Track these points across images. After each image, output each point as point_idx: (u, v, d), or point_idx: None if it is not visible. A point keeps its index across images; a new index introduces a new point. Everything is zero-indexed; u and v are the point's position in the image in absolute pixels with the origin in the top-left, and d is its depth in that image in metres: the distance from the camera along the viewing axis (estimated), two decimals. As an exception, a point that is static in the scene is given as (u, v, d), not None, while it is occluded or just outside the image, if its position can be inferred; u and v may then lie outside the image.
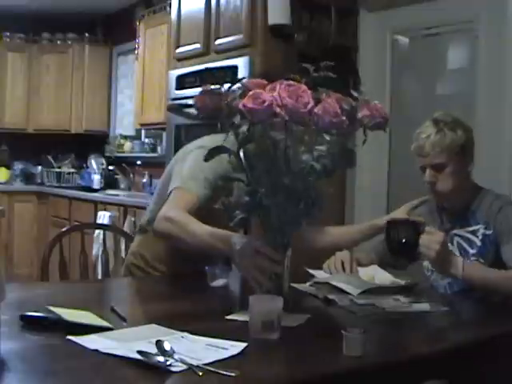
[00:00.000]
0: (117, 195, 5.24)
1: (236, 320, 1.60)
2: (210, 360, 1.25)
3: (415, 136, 2.10)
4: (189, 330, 1.44)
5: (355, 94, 1.61)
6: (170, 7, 4.35)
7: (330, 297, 1.88)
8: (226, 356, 1.29)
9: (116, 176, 6.00)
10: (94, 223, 4.82)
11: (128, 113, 6.03)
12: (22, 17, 6.20)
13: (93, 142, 6.41)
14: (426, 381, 1.41)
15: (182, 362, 1.23)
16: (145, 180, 5.53)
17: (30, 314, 1.49)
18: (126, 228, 4.46)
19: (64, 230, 2.66)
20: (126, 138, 5.98)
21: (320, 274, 2.17)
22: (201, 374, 1.19)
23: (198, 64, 3.92)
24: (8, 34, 6.31)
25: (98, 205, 5.13)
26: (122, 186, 5.88)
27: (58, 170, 6.40)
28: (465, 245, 2.06)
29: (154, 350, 1.26)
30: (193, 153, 2.11)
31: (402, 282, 2.08)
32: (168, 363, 1.22)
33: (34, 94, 6.31)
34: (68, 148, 6.57)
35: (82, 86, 6.28)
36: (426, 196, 2.14)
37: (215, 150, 1.69)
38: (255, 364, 1.33)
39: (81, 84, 6.28)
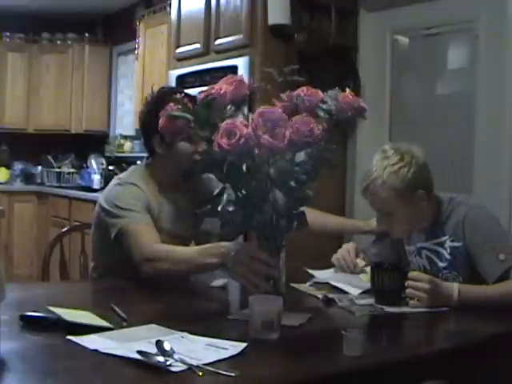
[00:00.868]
0: (117, 195, 5.22)
1: (236, 320, 1.60)
2: (210, 360, 1.25)
3: (362, 176, 2.04)
4: (189, 330, 1.44)
5: (328, 93, 1.59)
6: (170, 7, 4.34)
7: (330, 297, 1.88)
8: (225, 356, 1.30)
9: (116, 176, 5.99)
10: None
11: (128, 113, 6.03)
12: (22, 17, 6.20)
13: (93, 142, 6.40)
14: (425, 381, 1.42)
15: (182, 362, 1.23)
16: (145, 180, 5.52)
17: (29, 314, 1.49)
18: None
19: (64, 230, 2.67)
20: (125, 138, 5.98)
21: (320, 274, 2.17)
22: (201, 373, 1.19)
23: (198, 64, 3.92)
24: (8, 34, 6.30)
25: (98, 205, 5.13)
26: (122, 186, 5.86)
27: (58, 170, 6.40)
28: (434, 257, 2.02)
29: (153, 350, 1.27)
30: (111, 192, 2.14)
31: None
32: (168, 363, 1.22)
33: (34, 94, 6.31)
34: (68, 148, 6.57)
35: (82, 86, 6.28)
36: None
37: (189, 174, 1.70)
38: (255, 364, 1.33)
39: (81, 84, 6.28)
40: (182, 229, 2.24)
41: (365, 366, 1.35)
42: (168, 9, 4.59)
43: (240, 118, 1.55)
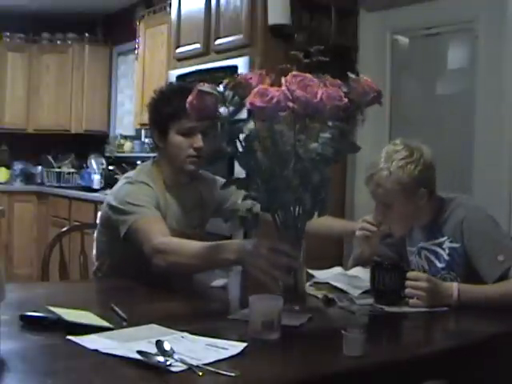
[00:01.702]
0: (117, 195, 5.23)
1: (236, 320, 1.60)
2: (210, 360, 1.25)
3: (369, 165, 2.05)
4: (189, 330, 1.44)
5: (351, 75, 1.59)
6: (170, 7, 4.35)
7: (330, 297, 1.88)
8: (225, 356, 1.30)
9: (116, 176, 5.98)
10: (94, 223, 4.81)
11: (128, 113, 6.03)
12: (22, 17, 6.20)
13: (93, 142, 6.41)
14: (425, 381, 1.41)
15: (182, 361, 1.23)
16: (145, 180, 5.52)
17: (30, 314, 1.49)
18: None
19: (64, 229, 2.67)
20: (125, 138, 5.98)
21: (320, 274, 2.17)
22: (201, 374, 1.19)
23: (198, 64, 3.92)
24: (8, 34, 6.31)
25: (97, 205, 5.12)
26: (122, 186, 5.87)
27: (58, 170, 6.40)
28: (432, 258, 2.03)
29: (154, 350, 1.26)
30: (122, 190, 2.13)
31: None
32: (168, 363, 1.22)
33: (34, 93, 6.31)
34: (68, 148, 6.57)
35: (82, 86, 6.28)
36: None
37: (212, 155, 1.69)
38: (255, 364, 1.33)
39: (81, 84, 6.28)
40: (188, 227, 2.24)
41: (365, 366, 1.35)
42: (168, 9, 4.59)
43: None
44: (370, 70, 3.65)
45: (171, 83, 2.34)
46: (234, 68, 3.48)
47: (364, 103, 1.58)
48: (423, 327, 1.77)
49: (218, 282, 2.02)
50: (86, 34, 6.38)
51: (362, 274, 2.08)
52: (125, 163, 5.85)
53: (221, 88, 1.57)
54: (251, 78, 1.54)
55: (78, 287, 1.95)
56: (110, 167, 6.01)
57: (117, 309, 1.60)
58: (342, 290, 1.96)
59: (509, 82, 3.04)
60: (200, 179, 2.32)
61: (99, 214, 2.32)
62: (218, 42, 3.78)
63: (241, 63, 3.50)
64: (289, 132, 1.52)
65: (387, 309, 1.80)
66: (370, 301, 1.85)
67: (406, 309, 1.81)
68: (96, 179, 5.90)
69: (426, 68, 3.58)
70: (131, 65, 5.86)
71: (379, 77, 3.64)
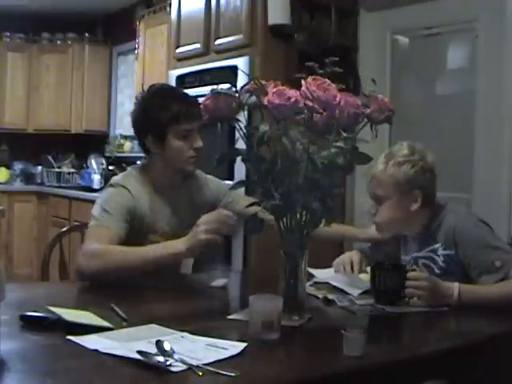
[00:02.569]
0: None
1: (236, 320, 1.60)
2: (210, 360, 1.25)
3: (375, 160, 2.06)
4: (189, 330, 1.44)
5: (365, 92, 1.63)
6: (170, 7, 4.35)
7: (330, 297, 1.88)
8: (225, 356, 1.29)
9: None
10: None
11: (128, 113, 6.02)
12: (22, 17, 6.20)
13: (93, 142, 6.41)
14: (425, 381, 1.41)
15: (182, 362, 1.23)
16: (145, 180, 5.52)
17: (29, 314, 1.49)
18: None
19: (64, 229, 2.66)
20: (125, 138, 5.98)
21: (320, 274, 2.17)
22: (201, 374, 1.19)
23: (198, 64, 3.92)
24: (8, 34, 6.31)
25: (98, 205, 5.13)
26: (122, 186, 5.87)
27: (58, 170, 6.40)
28: (431, 264, 2.02)
29: (154, 349, 1.26)
30: (103, 192, 2.19)
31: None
32: (168, 363, 1.22)
33: (34, 93, 6.31)
34: (68, 148, 6.57)
35: (82, 86, 6.28)
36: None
37: (224, 156, 1.70)
38: (255, 364, 1.33)
39: (81, 84, 6.28)
40: (180, 228, 2.24)
41: (365, 366, 1.35)
42: (168, 9, 4.59)
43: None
44: (370, 69, 3.65)
45: (153, 86, 2.28)
46: (234, 68, 3.48)
47: (377, 120, 1.61)
48: (423, 327, 1.77)
49: (218, 282, 2.02)
50: (86, 34, 6.38)
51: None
52: (125, 163, 5.84)
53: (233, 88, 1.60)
54: (266, 86, 1.55)
55: (78, 287, 1.95)
56: (110, 167, 6.01)
57: (117, 309, 1.60)
58: (342, 290, 1.96)
59: (509, 81, 3.04)
60: (192, 178, 2.32)
61: None
62: (218, 41, 3.78)
63: (241, 63, 3.50)
64: (302, 138, 1.54)
65: (387, 309, 1.80)
66: (371, 301, 1.85)
67: (406, 309, 1.81)
68: (96, 179, 5.90)
69: (426, 68, 3.58)
70: (131, 65, 5.86)
71: (379, 77, 3.64)
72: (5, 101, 6.23)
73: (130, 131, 2.31)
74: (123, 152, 5.93)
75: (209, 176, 2.41)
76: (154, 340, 1.30)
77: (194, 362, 1.23)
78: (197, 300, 1.98)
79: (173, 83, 4.12)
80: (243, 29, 3.55)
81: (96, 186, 5.82)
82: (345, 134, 1.56)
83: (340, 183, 1.69)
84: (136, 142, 5.75)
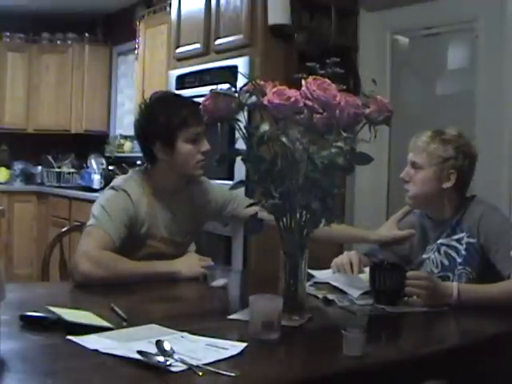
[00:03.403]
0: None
1: (236, 320, 1.60)
2: (210, 360, 1.25)
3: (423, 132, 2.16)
4: (189, 330, 1.44)
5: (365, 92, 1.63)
6: (170, 7, 4.35)
7: (330, 297, 1.88)
8: (226, 356, 1.30)
9: (116, 176, 5.99)
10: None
11: (128, 113, 6.03)
12: (22, 17, 6.20)
13: (93, 142, 6.41)
14: (425, 381, 1.41)
15: (182, 362, 1.23)
16: (145, 180, 5.52)
17: (29, 314, 1.49)
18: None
19: (64, 229, 2.67)
20: (125, 138, 5.98)
21: (320, 274, 2.17)
22: (201, 374, 1.19)
23: (198, 64, 3.92)
24: (8, 34, 6.31)
25: (98, 205, 5.13)
26: (122, 186, 5.87)
27: (58, 170, 6.40)
28: (452, 253, 2.05)
29: (154, 349, 1.26)
30: (104, 194, 2.19)
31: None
32: (168, 363, 1.22)
33: (34, 93, 6.31)
34: (68, 148, 6.57)
35: (82, 86, 6.28)
36: (406, 206, 2.19)
37: (224, 156, 1.69)
38: (255, 364, 1.33)
39: (81, 84, 6.28)
40: (179, 235, 2.24)
41: (365, 366, 1.35)
42: (168, 9, 4.59)
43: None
44: (370, 69, 3.65)
45: (156, 94, 2.28)
46: (234, 68, 3.48)
47: (375, 121, 1.61)
48: (423, 327, 1.77)
49: (218, 282, 2.02)
50: (86, 34, 6.38)
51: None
52: (125, 163, 5.85)
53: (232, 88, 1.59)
54: (265, 86, 1.55)
55: (77, 287, 1.95)
56: (110, 167, 6.01)
57: (117, 309, 1.60)
58: (341, 291, 1.96)
59: (509, 81, 3.04)
60: (195, 184, 2.31)
61: None
62: (218, 41, 3.78)
63: (241, 63, 3.50)
64: (302, 138, 1.54)
65: (387, 309, 1.80)
66: (371, 301, 1.85)
67: (406, 309, 1.81)
68: (96, 179, 5.90)
69: (426, 68, 3.58)
70: (131, 65, 5.86)
71: (379, 77, 3.64)
72: (5, 101, 6.23)
73: (130, 131, 2.32)
74: (123, 152, 5.93)
75: (213, 183, 2.41)
76: (153, 340, 1.30)
77: (194, 362, 1.23)
78: (197, 300, 1.98)
79: (173, 83, 4.12)
80: (243, 29, 3.55)
81: (96, 185, 5.82)
82: (345, 134, 1.57)
83: (340, 183, 1.69)
84: (136, 141, 5.78)
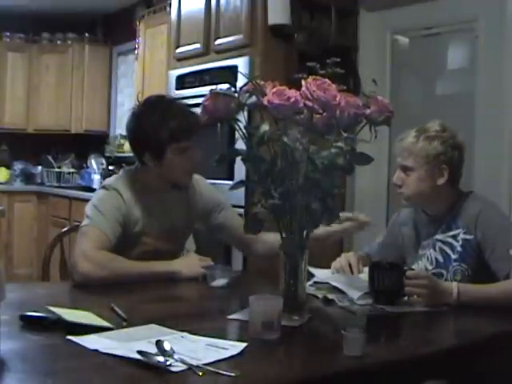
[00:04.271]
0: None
1: (236, 320, 1.60)
2: (210, 360, 1.25)
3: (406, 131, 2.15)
4: (189, 330, 1.44)
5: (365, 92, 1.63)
6: (170, 7, 4.35)
7: (330, 297, 1.88)
8: (226, 356, 1.30)
9: (116, 176, 5.99)
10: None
11: (128, 113, 6.01)
12: (22, 17, 6.20)
13: (93, 142, 6.40)
14: (425, 381, 1.41)
15: (182, 362, 1.23)
16: (145, 180, 5.53)
17: (29, 314, 1.49)
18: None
19: (64, 230, 2.66)
20: (125, 137, 5.97)
21: (320, 273, 2.17)
22: (201, 374, 1.19)
23: (198, 64, 3.92)
24: (8, 34, 6.30)
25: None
26: (122, 186, 5.87)
27: (58, 170, 6.40)
28: (447, 249, 2.05)
29: (154, 349, 1.27)
30: (96, 193, 2.20)
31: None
32: (168, 363, 1.22)
33: (34, 93, 6.31)
34: (68, 148, 6.57)
35: (82, 86, 6.28)
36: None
37: (224, 156, 1.69)
38: (255, 364, 1.33)
39: (81, 84, 6.28)
40: (174, 231, 2.23)
41: (365, 366, 1.35)
42: (168, 9, 4.59)
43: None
44: (370, 69, 3.65)
45: (148, 100, 2.26)
46: (234, 68, 3.48)
47: (376, 121, 1.61)
48: (423, 327, 1.77)
49: (218, 282, 2.02)
50: (86, 34, 6.38)
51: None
52: (125, 163, 5.83)
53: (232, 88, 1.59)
54: (265, 86, 1.55)
55: (77, 287, 1.95)
56: (110, 167, 6.00)
57: (117, 309, 1.60)
58: (341, 291, 1.96)
59: (509, 81, 3.04)
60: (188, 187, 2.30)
61: None
62: (218, 41, 3.78)
63: (241, 63, 3.50)
64: (302, 138, 1.54)
65: (387, 309, 1.80)
66: (370, 301, 1.85)
67: (406, 309, 1.81)
68: (96, 179, 5.90)
69: (426, 68, 3.58)
70: (131, 65, 5.86)
71: (379, 77, 3.64)
72: (5, 101, 6.23)
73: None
74: (123, 152, 5.92)
75: (204, 184, 2.38)
76: (153, 340, 1.31)
77: (194, 362, 1.23)
78: (197, 300, 1.98)
79: (173, 83, 4.12)
80: (243, 29, 3.55)
81: (96, 186, 5.81)
82: (345, 135, 1.57)
83: (340, 183, 1.69)
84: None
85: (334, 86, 1.52)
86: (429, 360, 1.49)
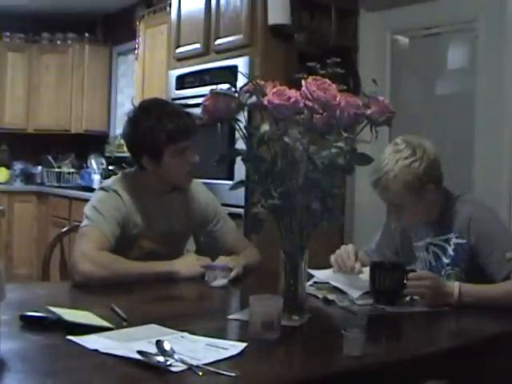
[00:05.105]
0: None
1: (236, 320, 1.60)
2: (210, 360, 1.25)
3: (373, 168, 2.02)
4: (189, 330, 1.44)
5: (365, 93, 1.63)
6: (170, 7, 4.35)
7: (330, 297, 1.88)
8: (226, 356, 1.30)
9: (116, 176, 5.99)
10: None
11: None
12: (22, 17, 6.20)
13: (93, 142, 6.41)
14: (426, 381, 1.41)
15: (182, 362, 1.23)
16: (145, 180, 5.53)
17: (29, 314, 1.49)
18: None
19: (64, 230, 2.66)
20: (125, 139, 5.98)
21: (320, 274, 2.17)
22: (201, 374, 1.19)
23: (198, 64, 3.92)
24: (8, 34, 6.31)
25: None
26: (122, 186, 5.87)
27: (58, 170, 6.40)
28: (440, 253, 2.04)
29: (154, 349, 1.27)
30: (95, 194, 2.19)
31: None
32: (168, 363, 1.22)
33: (34, 93, 6.31)
34: (68, 148, 6.57)
35: (82, 86, 6.28)
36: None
37: (224, 156, 1.69)
38: (255, 364, 1.33)
39: (81, 84, 6.28)
40: (173, 234, 2.23)
41: (365, 366, 1.35)
42: (168, 9, 4.59)
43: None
44: (370, 69, 3.65)
45: (143, 103, 2.26)
46: (234, 68, 3.48)
47: (377, 122, 1.61)
48: (423, 327, 1.77)
49: (218, 282, 2.02)
50: (86, 34, 6.38)
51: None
52: (125, 163, 5.83)
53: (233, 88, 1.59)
54: (265, 86, 1.55)
55: (77, 287, 1.95)
56: (110, 167, 6.00)
57: (117, 309, 1.60)
58: (342, 291, 1.96)
59: (509, 81, 3.04)
60: (187, 191, 2.30)
61: None
62: (218, 41, 3.78)
63: (241, 63, 3.50)
64: (302, 138, 1.54)
65: (387, 309, 1.80)
66: (371, 301, 1.85)
67: (406, 309, 1.81)
68: (96, 179, 5.90)
69: (426, 68, 3.58)
70: (131, 65, 5.86)
71: (379, 77, 3.64)
72: (5, 101, 6.23)
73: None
74: (123, 152, 5.91)
75: (201, 190, 2.37)
76: (153, 340, 1.31)
77: (194, 362, 1.23)
78: (197, 300, 1.98)
79: (173, 83, 4.12)
80: (243, 29, 3.55)
81: (96, 186, 5.80)
82: (345, 135, 1.57)
83: (340, 183, 1.69)
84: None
85: (334, 86, 1.52)
86: (429, 360, 1.49)
